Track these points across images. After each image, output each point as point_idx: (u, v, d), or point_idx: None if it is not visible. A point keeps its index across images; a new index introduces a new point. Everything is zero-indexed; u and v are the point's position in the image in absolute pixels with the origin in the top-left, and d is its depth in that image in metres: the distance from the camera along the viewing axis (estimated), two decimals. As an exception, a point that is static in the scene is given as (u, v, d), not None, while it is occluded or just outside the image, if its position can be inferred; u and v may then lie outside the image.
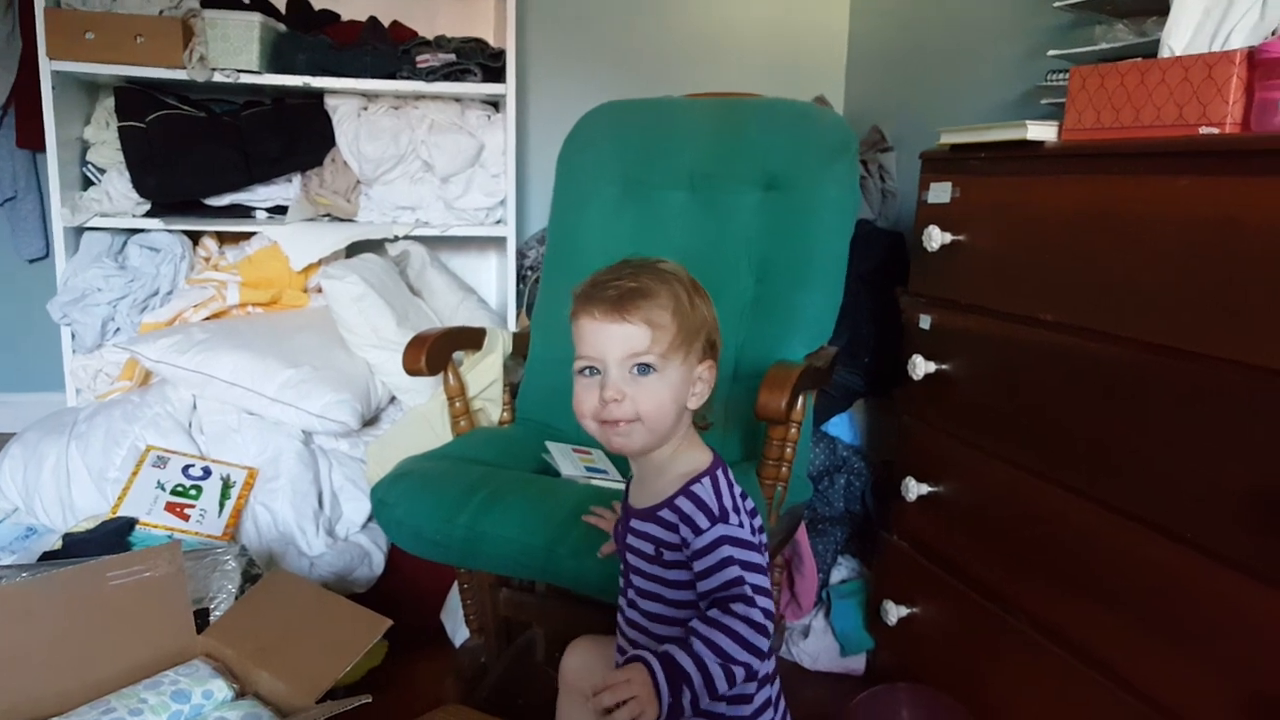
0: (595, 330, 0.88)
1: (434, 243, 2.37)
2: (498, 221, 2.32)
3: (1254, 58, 1.04)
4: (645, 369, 0.88)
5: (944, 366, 1.49)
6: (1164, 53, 1.21)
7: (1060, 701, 1.23)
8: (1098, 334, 1.18)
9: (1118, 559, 1.14)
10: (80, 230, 2.15)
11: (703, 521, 0.88)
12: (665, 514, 0.91)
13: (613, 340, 0.88)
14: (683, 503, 0.90)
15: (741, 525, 0.89)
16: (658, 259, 0.95)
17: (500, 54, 2.20)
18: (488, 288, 2.55)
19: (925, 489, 1.52)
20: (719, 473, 0.92)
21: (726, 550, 0.87)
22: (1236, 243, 0.99)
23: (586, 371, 0.90)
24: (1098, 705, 1.16)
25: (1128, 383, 1.13)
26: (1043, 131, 1.29)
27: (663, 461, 0.95)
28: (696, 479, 0.91)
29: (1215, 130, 1.07)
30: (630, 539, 0.96)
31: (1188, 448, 1.04)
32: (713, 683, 0.84)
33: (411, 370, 1.53)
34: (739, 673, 0.85)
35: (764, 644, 0.86)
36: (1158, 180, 1.10)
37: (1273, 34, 1.12)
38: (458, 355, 1.66)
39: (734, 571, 0.87)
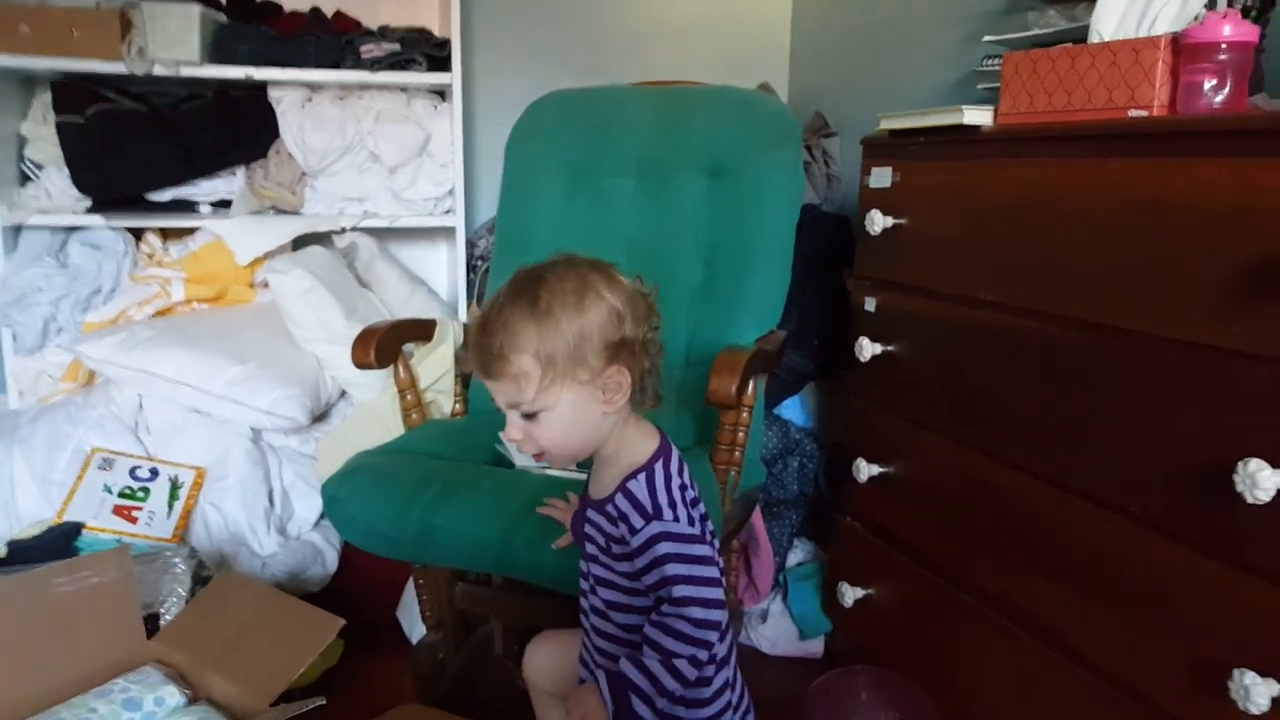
0: (484, 384, 0.92)
1: (382, 234, 2.35)
2: (446, 211, 2.30)
3: (1178, 43, 1.07)
4: (530, 415, 0.90)
5: (890, 348, 1.51)
6: (1093, 38, 1.23)
7: (1015, 676, 1.26)
8: (1036, 313, 1.21)
9: (1064, 534, 1.17)
10: (19, 228, 2.09)
11: (637, 520, 0.90)
12: (609, 509, 0.94)
13: (495, 395, 0.92)
14: (620, 500, 0.92)
15: (678, 519, 0.91)
16: (553, 266, 0.93)
17: (445, 43, 2.17)
18: (438, 279, 2.53)
19: (876, 469, 1.55)
20: (657, 465, 0.93)
21: (662, 547, 0.89)
22: (1165, 221, 1.02)
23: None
24: (1051, 678, 1.20)
25: (1067, 360, 1.16)
26: (979, 116, 1.32)
27: (608, 455, 0.97)
28: (634, 474, 0.92)
29: (1143, 113, 1.10)
30: (587, 528, 0.98)
31: (1127, 423, 1.07)
32: (658, 680, 0.88)
33: (360, 364, 1.51)
34: (682, 665, 0.88)
35: (708, 634, 0.89)
36: (1089, 162, 1.13)
37: (1195, 19, 1.15)
38: (408, 347, 1.65)
39: (668, 569, 0.89)
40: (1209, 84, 1.03)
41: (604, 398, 0.91)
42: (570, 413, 0.90)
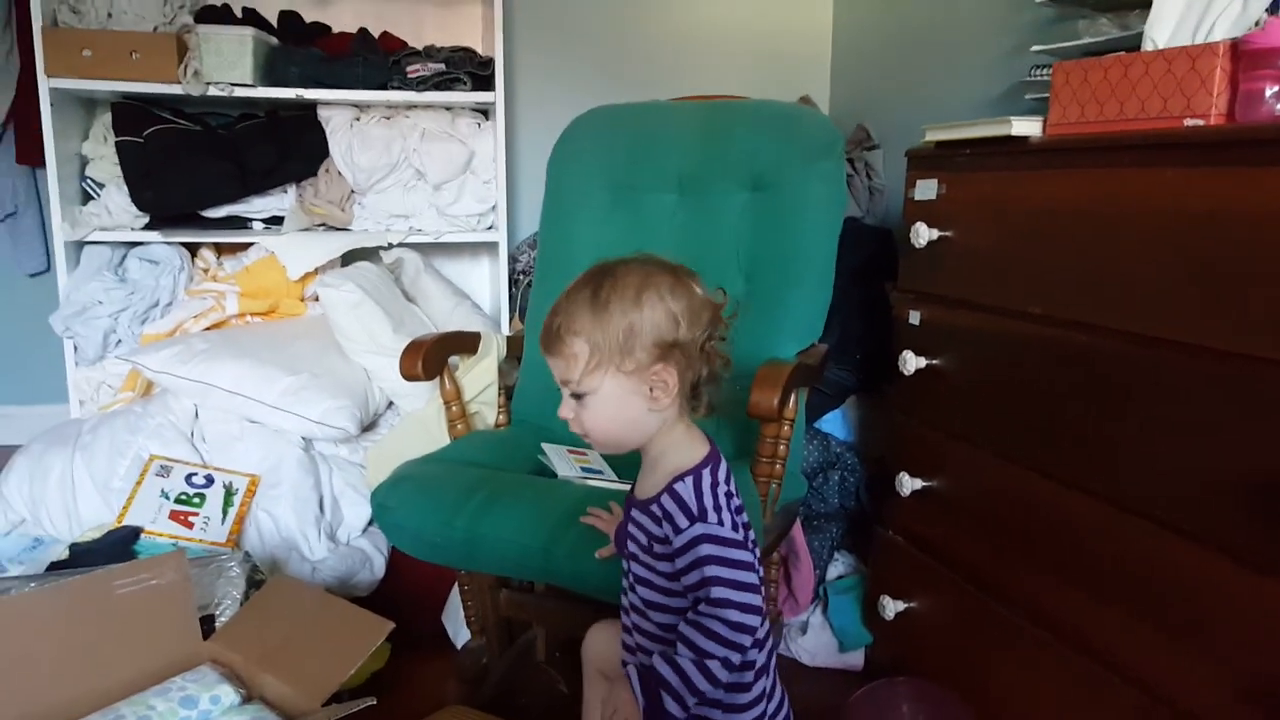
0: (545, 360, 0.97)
1: (427, 249, 2.39)
2: (489, 227, 2.33)
3: (1237, 49, 1.05)
4: (578, 395, 0.95)
5: (934, 362, 1.50)
6: (1147, 46, 1.22)
7: (1058, 691, 1.25)
8: (1086, 326, 1.20)
9: (1110, 549, 1.15)
10: (80, 244, 2.17)
11: (682, 521, 0.92)
12: (654, 508, 0.95)
13: (552, 370, 0.97)
14: (665, 500, 0.94)
15: (721, 523, 0.92)
16: (617, 268, 0.97)
17: (489, 62, 2.22)
18: (481, 293, 2.57)
19: (919, 484, 1.54)
20: (705, 470, 0.95)
21: (704, 549, 0.91)
22: (1223, 234, 1.00)
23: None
24: (1094, 694, 1.18)
25: (1117, 374, 1.15)
26: (1027, 127, 1.31)
27: (655, 456, 0.99)
28: (681, 477, 0.94)
29: (1200, 122, 1.08)
30: (630, 527, 1.00)
31: (1178, 438, 1.05)
32: (690, 679, 0.89)
33: (408, 375, 1.54)
34: (715, 666, 0.89)
35: (742, 638, 0.90)
36: (1142, 173, 1.11)
37: (1256, 25, 1.13)
38: (453, 360, 1.67)
39: (708, 570, 0.91)
40: (1271, 90, 1.01)
41: (650, 394, 0.94)
42: (614, 400, 0.94)
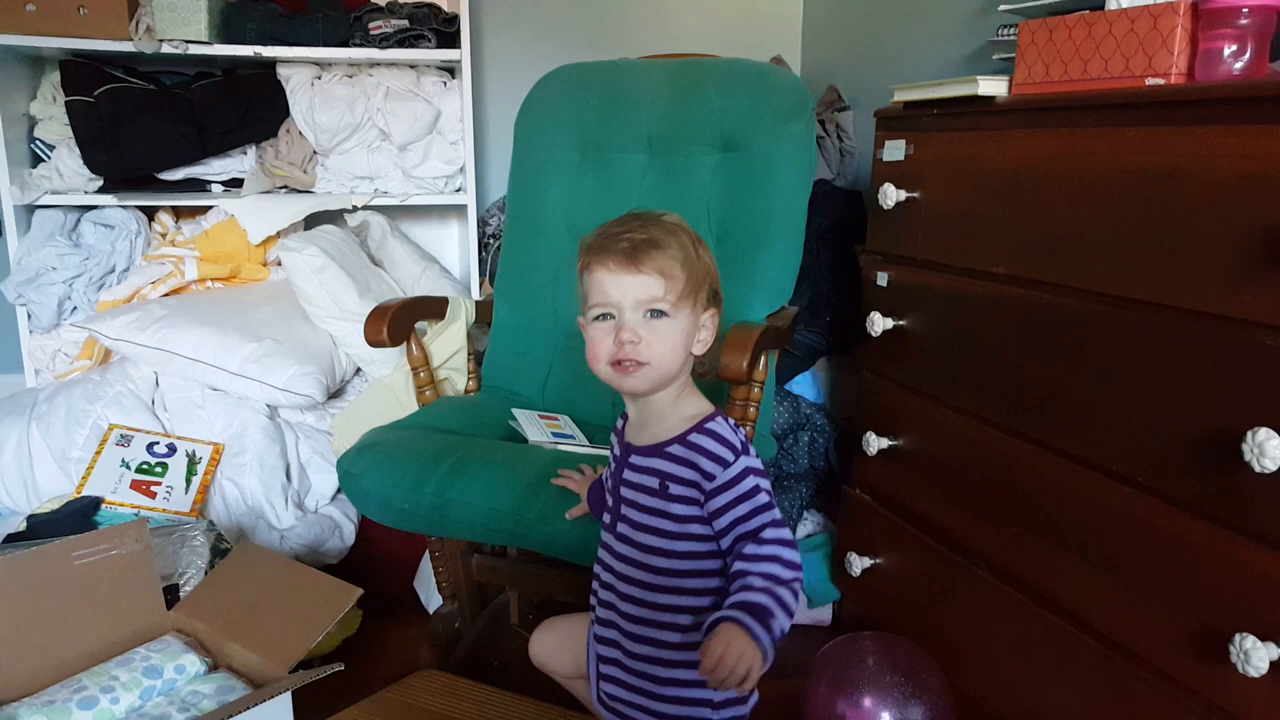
0: (610, 280, 0.93)
1: (394, 212, 2.35)
2: (457, 189, 2.29)
3: (1198, 8, 1.05)
4: (658, 314, 0.94)
5: (901, 322, 1.51)
6: (1111, 5, 1.21)
7: (1019, 641, 1.28)
8: (1049, 285, 1.21)
9: (1071, 503, 1.17)
10: (31, 208, 2.10)
11: (729, 455, 0.94)
12: (676, 449, 0.95)
13: (628, 288, 0.93)
14: (700, 439, 0.94)
15: (757, 458, 0.96)
16: (660, 212, 1.00)
17: (454, 19, 2.16)
18: (450, 257, 2.54)
19: (885, 442, 1.55)
20: (723, 414, 0.98)
21: (753, 480, 0.93)
22: (1182, 191, 1.01)
23: (601, 318, 0.96)
24: (1053, 643, 1.21)
25: (1078, 332, 1.16)
26: (993, 86, 1.30)
27: (665, 405, 0.99)
28: (710, 418, 0.96)
29: (1161, 81, 1.08)
30: (629, 474, 0.98)
31: (1137, 393, 1.07)
32: (786, 607, 0.88)
33: (373, 342, 1.52)
34: (798, 588, 0.91)
35: (799, 559, 0.92)
36: (1105, 132, 1.12)
37: (1215, -16, 1.13)
38: (420, 325, 1.65)
39: (763, 498, 0.93)
40: (1229, 50, 1.02)
41: (700, 337, 0.97)
42: (683, 331, 0.95)
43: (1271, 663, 0.89)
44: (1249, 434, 0.89)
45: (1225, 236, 0.95)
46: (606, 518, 1.03)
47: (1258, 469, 0.89)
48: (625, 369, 0.94)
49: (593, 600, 1.07)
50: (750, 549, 0.91)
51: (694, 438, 0.94)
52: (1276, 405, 0.90)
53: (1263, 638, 0.90)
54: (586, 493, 1.19)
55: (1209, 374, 0.97)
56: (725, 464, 0.93)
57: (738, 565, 0.91)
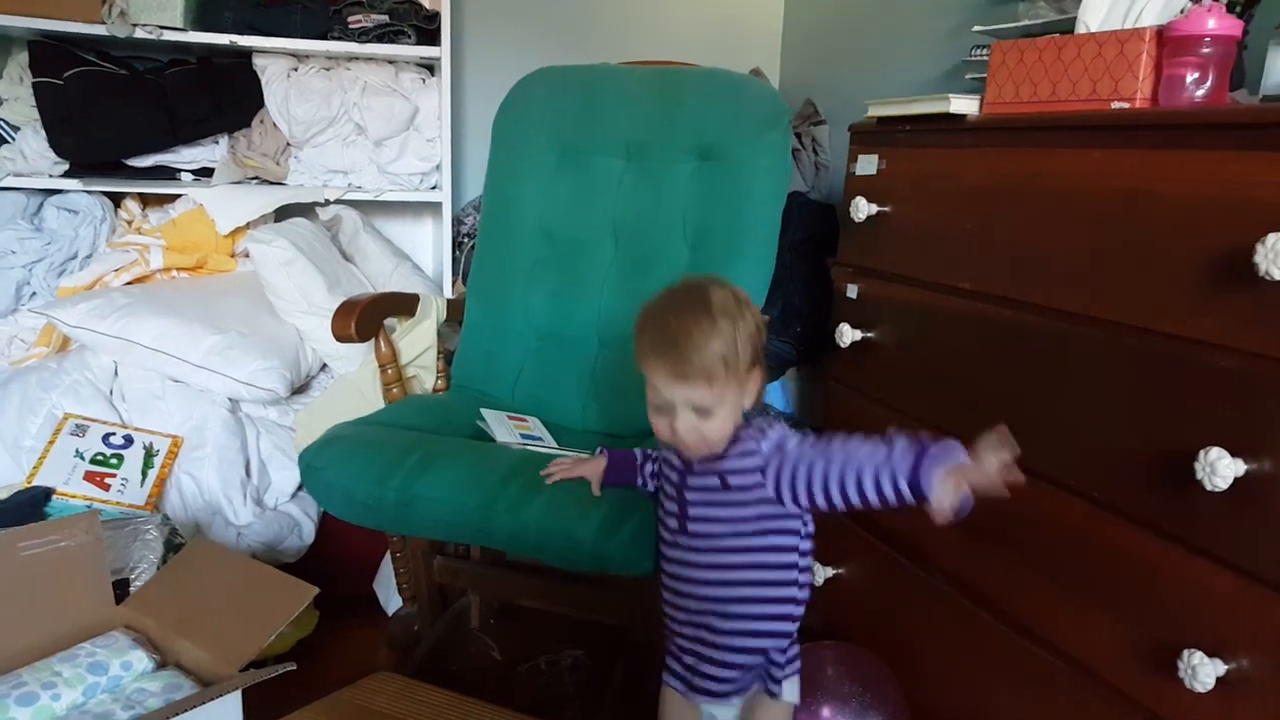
0: (662, 384, 1.02)
1: (367, 207, 2.33)
2: (433, 187, 2.28)
3: (1163, 36, 1.08)
4: (707, 412, 1.01)
5: (870, 334, 1.52)
6: (1080, 29, 1.24)
7: (974, 653, 1.28)
8: (1013, 301, 1.22)
9: (1028, 517, 1.18)
10: (-8, 190, 2.06)
11: (763, 436, 1.04)
12: (730, 462, 1.05)
13: (678, 393, 1.01)
14: (742, 442, 1.05)
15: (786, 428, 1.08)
16: (707, 284, 1.04)
17: (435, 16, 2.15)
18: (423, 255, 2.52)
19: (851, 454, 1.56)
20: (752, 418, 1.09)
21: (789, 434, 1.04)
22: (1140, 213, 1.03)
23: (659, 406, 1.04)
24: (1007, 656, 1.22)
25: (1040, 348, 1.17)
26: (965, 105, 1.32)
27: None
28: (744, 427, 1.06)
29: (1126, 105, 1.11)
30: (692, 480, 1.08)
31: (1095, 411, 1.08)
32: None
33: (340, 336, 1.51)
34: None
35: None
36: (1070, 153, 1.13)
37: (1181, 13, 1.15)
38: (390, 322, 1.64)
39: (806, 432, 1.05)
40: (1191, 77, 1.04)
41: (746, 400, 1.04)
42: (731, 412, 1.03)
43: (1218, 678, 0.90)
44: (1201, 453, 0.91)
45: (1183, 259, 0.97)
46: (673, 523, 1.10)
47: (1209, 487, 0.90)
48: (685, 446, 1.04)
49: (673, 614, 1.13)
50: (856, 442, 1.00)
51: (736, 446, 1.05)
52: (1229, 426, 0.91)
53: (1210, 653, 0.91)
54: (595, 467, 1.23)
55: (1165, 393, 0.99)
56: (761, 438, 1.04)
57: (865, 448, 0.99)
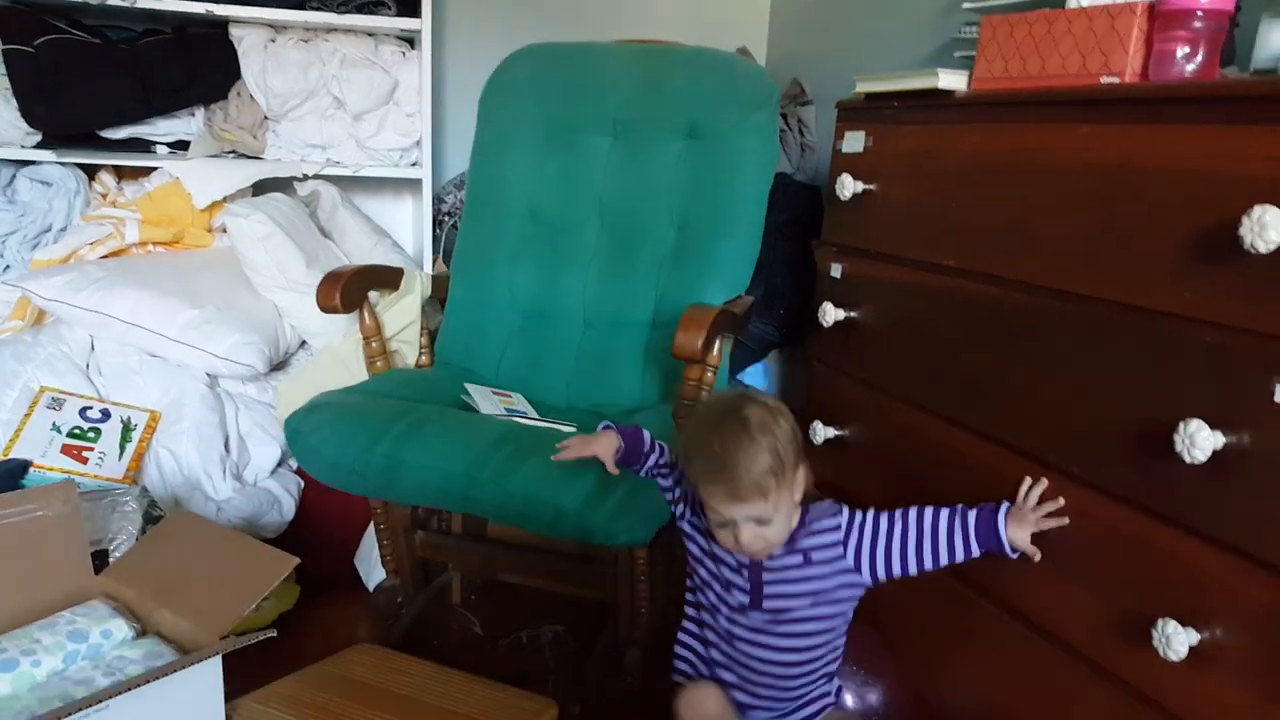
0: (721, 507, 1.08)
1: (346, 183, 2.30)
2: (413, 163, 2.25)
3: (1154, 10, 1.07)
4: (766, 521, 1.08)
5: (853, 314, 1.53)
6: (1071, 3, 1.24)
7: (951, 624, 1.30)
8: (997, 279, 1.22)
9: (1008, 491, 1.19)
10: (-39, 161, 2.01)
11: (836, 512, 1.15)
12: (802, 543, 1.13)
13: (737, 511, 1.07)
14: (813, 526, 1.14)
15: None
16: (740, 403, 1.09)
17: (416, -12, 2.12)
18: (403, 232, 2.49)
19: (832, 432, 1.57)
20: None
21: (860, 514, 1.15)
22: (1130, 188, 1.03)
23: (721, 524, 1.10)
24: (984, 627, 1.23)
25: (1024, 324, 1.18)
26: (954, 80, 1.32)
27: None
28: (804, 515, 1.14)
29: (1116, 80, 1.10)
30: (768, 561, 1.13)
31: (1077, 386, 1.09)
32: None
33: (326, 307, 1.49)
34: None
35: None
36: (1060, 128, 1.13)
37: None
38: (373, 295, 1.62)
39: (878, 511, 1.16)
40: (1182, 52, 1.04)
41: (797, 488, 1.11)
42: (787, 514, 1.10)
43: (1191, 647, 0.92)
44: (1181, 425, 0.91)
45: (1168, 234, 0.98)
46: (738, 599, 1.16)
47: (1188, 459, 0.91)
48: (752, 554, 1.11)
49: (720, 674, 1.21)
50: (930, 511, 1.14)
51: (805, 527, 1.13)
52: (1210, 399, 0.92)
53: (1184, 623, 0.92)
54: (607, 447, 1.20)
55: (1148, 367, 1.00)
56: (838, 514, 1.14)
57: (944, 514, 1.15)
